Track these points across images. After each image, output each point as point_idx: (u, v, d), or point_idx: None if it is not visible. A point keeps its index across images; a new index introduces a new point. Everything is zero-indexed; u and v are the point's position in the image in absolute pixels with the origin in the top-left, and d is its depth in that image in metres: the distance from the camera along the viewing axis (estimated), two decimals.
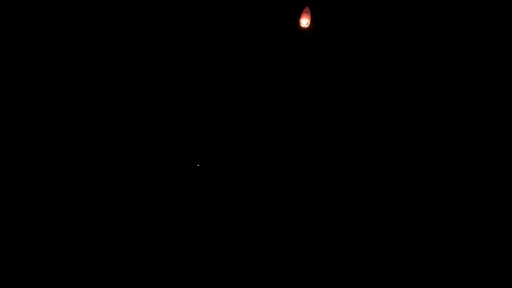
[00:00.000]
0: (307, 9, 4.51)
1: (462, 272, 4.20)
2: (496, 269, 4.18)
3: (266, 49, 4.62)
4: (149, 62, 4.53)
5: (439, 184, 4.40)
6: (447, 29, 4.48)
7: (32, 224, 4.20)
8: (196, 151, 4.55)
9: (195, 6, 4.56)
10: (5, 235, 4.13)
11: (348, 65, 4.60)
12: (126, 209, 4.34)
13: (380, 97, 4.56)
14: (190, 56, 4.58)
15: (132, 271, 4.17)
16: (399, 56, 4.55)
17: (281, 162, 4.56)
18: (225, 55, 4.60)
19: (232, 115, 4.60)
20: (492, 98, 4.44)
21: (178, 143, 4.54)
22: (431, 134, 4.48)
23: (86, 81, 4.45)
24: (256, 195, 4.48)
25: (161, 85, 4.55)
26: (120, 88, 4.50)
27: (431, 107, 4.49)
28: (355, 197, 4.46)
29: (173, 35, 4.55)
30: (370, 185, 4.47)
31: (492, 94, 4.44)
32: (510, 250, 4.21)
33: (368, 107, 4.57)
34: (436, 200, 4.38)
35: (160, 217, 4.36)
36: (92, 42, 4.46)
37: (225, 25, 4.58)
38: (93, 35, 4.46)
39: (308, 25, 4.53)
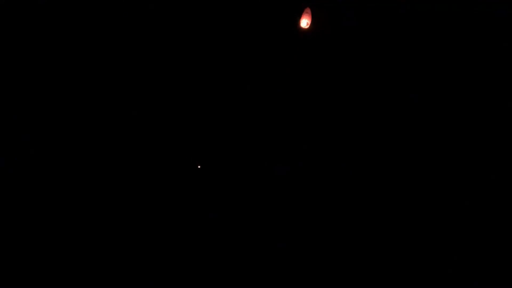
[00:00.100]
0: (307, 10, 4.51)
1: (462, 272, 4.20)
2: (496, 269, 4.18)
3: (266, 49, 4.62)
4: (149, 62, 4.54)
5: (439, 184, 4.40)
6: (447, 29, 4.48)
7: (32, 224, 4.20)
8: (196, 151, 4.56)
9: (195, 6, 4.56)
10: (5, 235, 4.13)
11: (348, 65, 4.61)
12: (126, 209, 4.34)
13: (380, 97, 4.56)
14: (190, 56, 4.58)
15: (132, 271, 4.17)
16: (399, 56, 4.55)
17: (281, 162, 4.56)
18: (225, 55, 4.60)
19: (232, 115, 4.60)
20: (492, 98, 4.44)
21: (178, 142, 4.54)
22: (431, 134, 4.48)
23: (86, 81, 4.45)
24: (256, 195, 4.48)
25: (161, 85, 4.55)
26: (120, 88, 4.50)
27: (431, 107, 4.49)
28: (355, 197, 4.46)
29: (173, 35, 4.55)
30: (370, 185, 4.47)
31: (492, 94, 4.44)
32: (510, 250, 4.21)
33: (368, 107, 4.57)
34: (436, 200, 4.38)
35: (160, 217, 4.37)
36: (92, 42, 4.46)
37: (225, 25, 4.58)
38: (93, 35, 4.45)
39: (308, 26, 4.53)
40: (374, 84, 4.58)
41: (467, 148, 4.42)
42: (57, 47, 4.42)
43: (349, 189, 4.47)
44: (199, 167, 4.51)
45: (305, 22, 4.53)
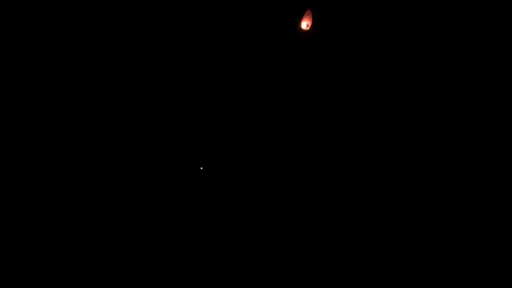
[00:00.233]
0: (308, 11, 4.51)
1: (462, 272, 4.20)
2: (496, 269, 4.18)
3: (266, 49, 4.62)
4: (149, 63, 4.53)
5: (439, 184, 4.40)
6: (447, 29, 4.48)
7: (32, 224, 4.20)
8: (195, 151, 4.55)
9: (196, 6, 4.56)
10: (5, 235, 4.13)
11: (348, 65, 4.60)
12: (126, 209, 4.34)
13: (380, 97, 4.56)
14: (191, 55, 4.57)
15: (132, 271, 4.17)
16: (399, 56, 4.55)
17: (281, 162, 4.56)
18: (225, 55, 4.60)
19: (232, 115, 4.60)
20: (492, 98, 4.44)
21: (178, 142, 4.54)
22: (431, 134, 4.48)
23: (86, 81, 4.45)
24: (256, 195, 4.48)
25: (161, 85, 4.55)
26: (120, 88, 4.49)
27: (431, 107, 4.49)
28: (355, 197, 4.46)
29: (174, 35, 4.55)
30: (370, 185, 4.47)
31: (492, 94, 4.44)
32: (510, 250, 4.21)
33: (368, 107, 4.57)
34: (436, 200, 4.38)
35: (160, 217, 4.37)
36: (92, 42, 4.45)
37: (226, 25, 4.58)
38: (93, 35, 4.45)
39: (308, 28, 4.53)
40: (374, 84, 4.58)
41: (467, 148, 4.42)
42: (57, 47, 4.42)
43: (349, 189, 4.47)
44: (201, 168, 4.51)
45: (305, 24, 4.53)
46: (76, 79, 4.44)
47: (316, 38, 4.60)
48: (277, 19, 4.60)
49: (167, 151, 4.52)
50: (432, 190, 4.40)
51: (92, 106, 4.45)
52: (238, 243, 4.34)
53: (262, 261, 4.28)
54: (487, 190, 4.34)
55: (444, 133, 4.46)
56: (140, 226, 4.31)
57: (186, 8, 4.55)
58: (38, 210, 4.23)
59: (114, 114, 4.47)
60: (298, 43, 4.60)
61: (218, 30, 4.58)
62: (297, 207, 4.46)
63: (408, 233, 4.34)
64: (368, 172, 4.49)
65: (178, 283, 4.18)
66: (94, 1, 4.45)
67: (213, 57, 4.59)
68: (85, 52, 4.45)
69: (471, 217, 4.31)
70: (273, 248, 4.31)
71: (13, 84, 4.35)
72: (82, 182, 4.35)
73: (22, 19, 4.36)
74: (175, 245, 4.29)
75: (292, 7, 4.59)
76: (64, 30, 4.42)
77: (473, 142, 4.42)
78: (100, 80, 4.47)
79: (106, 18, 4.46)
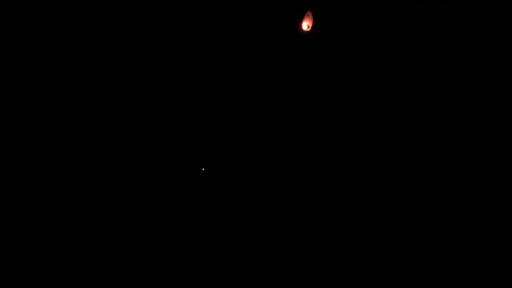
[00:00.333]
0: (309, 13, 4.51)
1: (462, 272, 4.20)
2: (496, 269, 4.18)
3: (266, 50, 4.62)
4: (149, 63, 4.53)
5: (439, 184, 4.40)
6: (447, 29, 4.48)
7: (32, 224, 4.20)
8: (196, 151, 4.55)
9: (198, 6, 4.55)
10: (5, 235, 4.13)
11: (348, 65, 4.60)
12: (127, 209, 4.34)
13: (380, 97, 4.56)
14: (191, 55, 4.57)
15: (132, 271, 4.17)
16: (399, 56, 4.54)
17: (281, 162, 4.56)
18: (225, 56, 4.60)
19: (232, 115, 4.60)
20: (492, 98, 4.44)
21: (178, 142, 4.53)
22: (431, 134, 4.47)
23: (86, 81, 4.45)
24: (255, 195, 4.48)
25: (161, 85, 4.54)
26: (120, 88, 4.49)
27: (431, 107, 4.49)
28: (355, 197, 4.46)
29: (174, 36, 4.55)
30: (370, 185, 4.47)
31: (492, 94, 4.44)
32: (510, 250, 4.21)
33: (368, 107, 4.56)
34: (436, 200, 4.38)
35: (160, 218, 4.36)
36: (92, 42, 4.45)
37: (226, 25, 4.58)
38: (93, 35, 4.45)
39: (309, 29, 4.53)
40: (374, 84, 4.57)
41: (467, 148, 4.42)
42: (57, 47, 4.42)
43: (349, 189, 4.47)
44: (203, 169, 4.51)
45: (306, 25, 4.53)
46: (76, 79, 4.44)
47: (316, 38, 4.60)
48: (276, 19, 4.60)
49: (167, 151, 4.51)
50: (432, 190, 4.40)
51: (92, 106, 4.45)
52: (238, 243, 4.34)
53: (262, 261, 4.27)
54: (487, 190, 4.34)
55: (444, 133, 4.46)
56: (140, 226, 4.31)
57: (188, 8, 4.55)
58: (38, 210, 4.23)
59: (114, 114, 4.47)
60: (298, 43, 4.60)
61: (218, 30, 4.58)
62: (297, 207, 4.46)
63: (408, 233, 4.34)
64: (368, 172, 4.49)
65: (178, 283, 4.18)
66: (94, 1, 4.45)
67: (213, 57, 4.59)
68: (85, 52, 4.45)
69: (471, 217, 4.31)
70: (273, 248, 4.31)
71: (13, 84, 4.35)
72: (83, 182, 4.34)
73: (22, 19, 4.36)
74: (175, 245, 4.29)
75: (292, 7, 4.58)
76: (64, 30, 4.42)
77: (473, 142, 4.42)
78: (100, 80, 4.47)
79: (106, 18, 4.46)
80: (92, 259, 4.16)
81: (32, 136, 4.33)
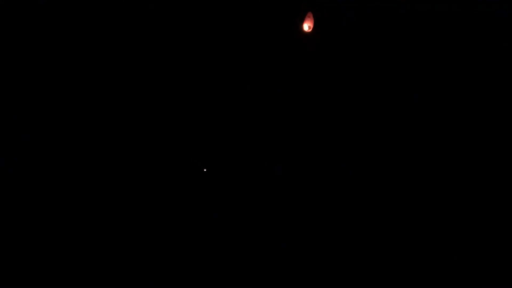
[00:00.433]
0: (310, 14, 4.51)
1: (462, 272, 4.20)
2: (496, 269, 4.18)
3: (266, 50, 4.62)
4: (150, 63, 4.53)
5: (439, 184, 4.40)
6: (447, 29, 4.48)
7: (32, 224, 4.20)
8: (196, 151, 4.55)
9: (199, 7, 4.56)
10: (5, 235, 4.13)
11: (348, 65, 4.60)
12: (127, 210, 4.34)
13: (380, 97, 4.56)
14: (192, 55, 4.57)
15: (132, 271, 4.17)
16: (399, 56, 4.54)
17: (281, 162, 4.56)
18: (225, 56, 4.60)
19: (232, 115, 4.60)
20: (492, 98, 4.44)
21: (178, 142, 4.53)
22: (431, 134, 4.47)
23: (86, 81, 4.45)
24: (255, 195, 4.48)
25: (161, 85, 4.54)
26: (120, 88, 4.49)
27: (431, 107, 4.49)
28: (356, 197, 4.46)
29: (175, 36, 4.55)
30: (371, 185, 4.47)
31: (492, 94, 4.44)
32: (510, 250, 4.21)
33: (368, 107, 4.56)
34: (436, 200, 4.38)
35: (162, 218, 4.36)
36: (92, 42, 4.45)
37: (225, 25, 4.58)
38: (93, 35, 4.45)
39: (310, 30, 4.53)
40: (374, 84, 4.57)
41: (467, 148, 4.42)
42: (57, 47, 4.42)
43: (349, 189, 4.47)
44: (205, 170, 4.51)
45: (307, 26, 4.53)
46: (76, 79, 4.44)
47: (315, 38, 4.60)
48: (276, 19, 4.60)
49: (167, 150, 4.51)
50: (432, 190, 4.40)
51: (93, 106, 4.45)
52: (239, 243, 4.34)
53: (265, 261, 4.27)
54: (487, 190, 4.33)
55: (444, 133, 4.46)
56: (142, 226, 4.31)
57: (189, 9, 4.55)
58: (38, 210, 4.23)
59: (114, 114, 4.47)
60: (298, 43, 4.60)
61: (218, 29, 4.58)
62: (297, 207, 4.46)
63: (408, 233, 4.34)
64: (368, 172, 4.49)
65: (180, 283, 4.18)
66: (94, 1, 4.45)
67: (213, 57, 4.59)
68: (85, 52, 4.45)
69: (471, 217, 4.31)
70: (276, 248, 4.31)
71: (13, 84, 4.35)
72: (83, 182, 4.34)
73: (22, 19, 4.36)
74: (178, 244, 4.29)
75: (292, 8, 4.58)
76: (64, 30, 4.42)
77: (473, 142, 4.42)
78: (101, 80, 4.47)
79: (106, 18, 4.46)
80: (92, 259, 4.16)
81: (32, 136, 4.33)
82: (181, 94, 4.56)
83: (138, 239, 4.27)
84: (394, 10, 4.52)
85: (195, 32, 4.57)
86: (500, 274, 4.17)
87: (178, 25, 4.54)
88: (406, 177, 4.45)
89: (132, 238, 4.27)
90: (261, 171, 4.54)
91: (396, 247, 4.32)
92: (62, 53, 4.42)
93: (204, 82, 4.59)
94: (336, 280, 4.25)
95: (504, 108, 4.42)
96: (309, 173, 4.53)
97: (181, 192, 4.45)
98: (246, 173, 4.54)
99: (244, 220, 4.42)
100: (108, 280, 4.13)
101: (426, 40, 4.51)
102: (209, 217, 4.40)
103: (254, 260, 4.29)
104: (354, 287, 4.24)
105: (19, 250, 4.12)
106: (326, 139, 4.58)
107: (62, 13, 4.41)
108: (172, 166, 4.49)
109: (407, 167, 4.47)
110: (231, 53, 4.60)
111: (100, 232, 4.25)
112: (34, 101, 4.37)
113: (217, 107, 4.59)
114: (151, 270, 4.21)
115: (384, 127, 4.54)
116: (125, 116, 4.48)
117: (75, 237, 4.21)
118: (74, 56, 4.44)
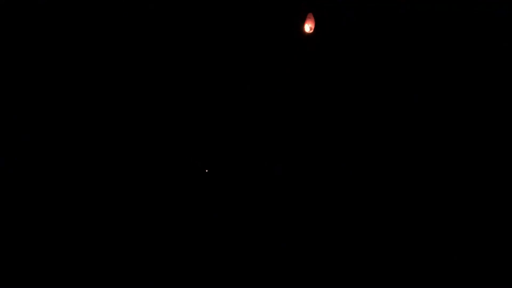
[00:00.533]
0: (310, 15, 4.52)
1: (462, 272, 4.20)
2: (496, 269, 4.18)
3: (266, 50, 4.62)
4: (150, 64, 4.53)
5: (439, 184, 4.40)
6: (447, 29, 4.48)
7: (32, 224, 4.20)
8: (196, 151, 4.55)
9: (199, 7, 4.56)
10: (5, 235, 4.13)
11: (348, 65, 4.60)
12: (127, 210, 4.34)
13: (380, 97, 4.56)
14: (192, 55, 4.57)
15: (133, 271, 4.17)
16: (399, 56, 4.55)
17: (281, 162, 4.56)
18: (225, 56, 4.60)
19: (232, 115, 4.60)
20: (492, 98, 4.44)
21: (178, 142, 4.53)
22: (431, 134, 4.48)
23: (86, 81, 4.45)
24: (256, 195, 4.48)
25: (162, 86, 4.54)
26: (121, 88, 4.49)
27: (431, 107, 4.49)
28: (356, 197, 4.46)
29: (176, 36, 4.55)
30: (371, 185, 4.47)
31: (492, 94, 4.44)
32: (510, 250, 4.21)
33: (368, 107, 4.57)
34: (436, 200, 4.38)
35: (162, 218, 4.37)
36: (92, 42, 4.45)
37: (225, 25, 4.58)
38: (93, 35, 4.45)
39: (311, 30, 4.54)
40: (374, 84, 4.58)
41: (467, 148, 4.42)
42: (57, 47, 4.42)
43: (349, 189, 4.47)
44: (206, 171, 4.52)
45: (308, 27, 4.53)
46: (76, 79, 4.44)
47: (315, 39, 4.60)
48: (276, 19, 4.60)
49: (168, 151, 4.51)
50: (432, 190, 4.40)
51: (93, 106, 4.45)
52: (239, 243, 4.34)
53: (265, 261, 4.28)
54: (487, 189, 4.34)
55: (444, 133, 4.46)
56: (143, 226, 4.31)
57: (190, 9, 4.55)
58: (38, 210, 4.23)
59: (114, 114, 4.47)
60: (298, 43, 4.60)
61: (218, 30, 4.58)
62: (297, 207, 4.46)
63: (408, 233, 4.34)
64: (368, 172, 4.49)
65: (180, 283, 4.18)
66: (94, 1, 4.45)
67: (213, 57, 4.59)
68: (85, 52, 4.45)
69: (471, 217, 4.31)
70: (276, 248, 4.31)
71: (13, 84, 4.35)
72: (83, 182, 4.34)
73: (22, 19, 4.36)
74: (178, 245, 4.29)
75: (292, 8, 4.59)
76: (64, 30, 4.42)
77: (473, 141, 4.42)
78: (101, 80, 4.47)
79: (106, 18, 4.46)
80: (92, 259, 4.16)
81: (32, 136, 4.33)
82: (181, 94, 4.56)
83: (138, 239, 4.28)
84: (394, 10, 4.52)
85: (195, 32, 4.57)
86: (500, 274, 4.17)
87: (178, 25, 4.55)
88: (406, 177, 4.46)
89: (132, 238, 4.27)
90: (261, 171, 4.54)
91: (396, 247, 4.32)
92: (62, 53, 4.43)
93: (204, 82, 4.59)
94: (336, 280, 4.25)
95: (504, 108, 4.42)
96: (309, 173, 4.53)
97: (181, 192, 4.45)
98: (246, 173, 4.54)
99: (244, 220, 4.42)
100: (108, 280, 4.13)
101: (426, 40, 4.52)
102: (209, 217, 4.40)
103: (254, 260, 4.29)
104: (354, 287, 4.24)
105: (19, 250, 4.12)
106: (326, 139, 4.58)
107: (62, 13, 4.41)
108: (172, 166, 4.49)
109: (407, 167, 4.47)
110: (231, 53, 4.60)
111: (100, 232, 4.26)
112: (34, 101, 4.37)
113: (217, 107, 4.59)
114: (151, 270, 4.21)
115: (384, 127, 4.54)
116: (126, 116, 4.48)
117: (75, 237, 4.21)
118: (74, 56, 4.44)
